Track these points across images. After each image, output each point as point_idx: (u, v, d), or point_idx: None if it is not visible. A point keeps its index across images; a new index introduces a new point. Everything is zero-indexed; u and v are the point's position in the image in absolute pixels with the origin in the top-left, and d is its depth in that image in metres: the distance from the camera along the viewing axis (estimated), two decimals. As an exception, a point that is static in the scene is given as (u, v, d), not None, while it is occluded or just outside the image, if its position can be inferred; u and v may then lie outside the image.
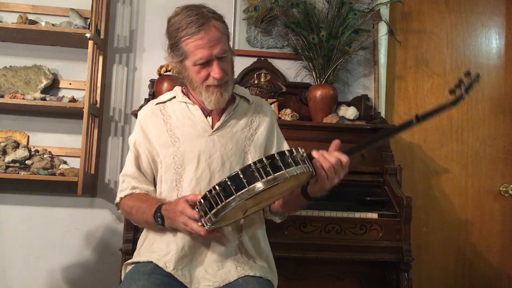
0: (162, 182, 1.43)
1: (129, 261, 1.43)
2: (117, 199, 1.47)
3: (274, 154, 1.11)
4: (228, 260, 1.35)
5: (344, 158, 1.23)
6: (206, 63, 1.36)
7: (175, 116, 1.47)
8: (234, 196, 1.09)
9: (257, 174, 1.08)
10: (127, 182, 1.45)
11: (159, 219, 1.31)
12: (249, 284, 1.29)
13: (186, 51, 1.36)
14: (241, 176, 1.08)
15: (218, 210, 1.11)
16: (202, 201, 1.15)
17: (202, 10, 1.37)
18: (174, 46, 1.39)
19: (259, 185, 1.08)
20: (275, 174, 1.08)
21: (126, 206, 1.44)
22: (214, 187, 1.11)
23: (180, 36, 1.35)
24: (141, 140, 1.47)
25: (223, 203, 1.10)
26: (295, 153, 1.14)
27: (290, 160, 1.11)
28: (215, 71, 1.36)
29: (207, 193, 1.13)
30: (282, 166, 1.10)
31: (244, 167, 1.10)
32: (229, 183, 1.09)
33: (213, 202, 1.12)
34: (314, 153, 1.22)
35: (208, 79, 1.38)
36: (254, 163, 1.09)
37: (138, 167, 1.46)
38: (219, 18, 1.40)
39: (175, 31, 1.37)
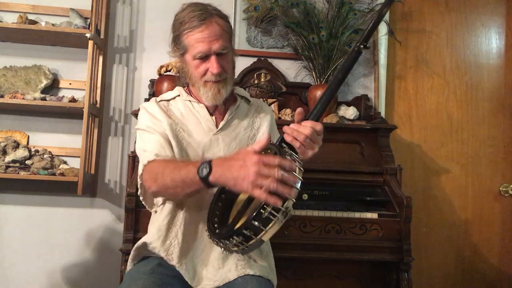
0: None
1: (138, 243, 1.39)
2: (140, 170, 1.33)
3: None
4: (228, 259, 1.35)
5: (319, 127, 1.22)
6: (205, 58, 1.37)
7: (179, 113, 1.47)
8: (254, 240, 1.10)
9: (270, 216, 1.07)
10: (149, 152, 1.33)
11: (205, 169, 1.12)
12: (249, 283, 1.29)
13: (187, 45, 1.37)
14: (256, 223, 1.08)
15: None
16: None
17: (207, 7, 1.39)
18: (176, 39, 1.41)
19: (273, 224, 1.09)
20: (284, 205, 1.07)
21: (157, 169, 1.26)
22: (232, 236, 1.11)
23: (182, 29, 1.37)
24: (154, 121, 1.40)
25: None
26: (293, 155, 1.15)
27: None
28: (213, 66, 1.36)
29: (227, 241, 1.13)
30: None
31: (256, 214, 1.07)
32: (245, 232, 1.09)
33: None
34: (287, 130, 1.22)
35: (206, 74, 1.39)
36: (264, 208, 1.06)
37: (158, 134, 1.37)
38: (223, 16, 1.41)
39: (178, 25, 1.39)
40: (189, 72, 1.42)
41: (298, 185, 1.07)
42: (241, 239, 1.10)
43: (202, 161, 1.15)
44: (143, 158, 1.33)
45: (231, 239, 1.12)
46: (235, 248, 1.15)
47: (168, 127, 1.40)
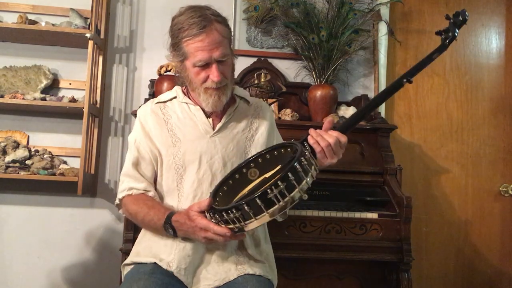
0: (163, 181, 1.43)
1: (128, 261, 1.42)
2: (117, 200, 1.45)
3: (288, 175, 1.09)
4: (228, 259, 1.35)
5: (343, 138, 1.26)
6: (205, 65, 1.36)
7: (176, 116, 1.47)
8: (252, 220, 1.11)
9: (274, 199, 1.09)
10: (126, 182, 1.43)
11: (170, 230, 1.29)
12: (249, 282, 1.29)
13: (187, 52, 1.37)
14: (259, 202, 1.08)
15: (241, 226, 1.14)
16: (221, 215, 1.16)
17: (206, 12, 1.36)
18: (175, 45, 1.40)
19: (275, 208, 1.10)
20: (291, 195, 1.10)
21: (131, 209, 1.40)
22: (231, 210, 1.12)
23: (182, 36, 1.36)
24: (141, 138, 1.46)
25: (242, 224, 1.13)
26: (304, 161, 1.13)
27: (302, 174, 1.11)
28: (214, 74, 1.36)
29: (224, 214, 1.13)
30: (296, 185, 1.10)
31: (262, 193, 1.08)
32: (246, 208, 1.09)
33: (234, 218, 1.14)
34: (312, 132, 1.25)
35: (207, 82, 1.38)
36: (271, 189, 1.08)
37: (136, 165, 1.44)
38: (223, 21, 1.39)
39: (177, 31, 1.38)
40: (189, 78, 1.41)
41: (310, 182, 1.13)
42: (239, 214, 1.10)
43: (165, 216, 1.30)
44: (120, 190, 1.45)
45: (229, 211, 1.11)
46: (230, 226, 1.15)
47: (162, 141, 1.43)
